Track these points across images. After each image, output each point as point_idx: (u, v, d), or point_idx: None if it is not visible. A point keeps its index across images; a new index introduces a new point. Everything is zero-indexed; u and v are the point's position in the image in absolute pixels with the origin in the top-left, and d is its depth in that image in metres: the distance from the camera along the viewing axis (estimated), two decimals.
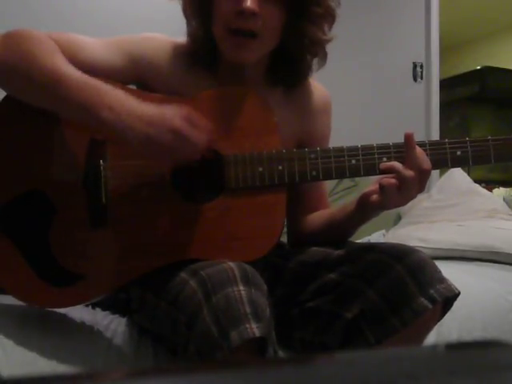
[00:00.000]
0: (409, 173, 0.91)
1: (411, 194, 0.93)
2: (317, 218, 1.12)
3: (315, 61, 1.06)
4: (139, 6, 2.25)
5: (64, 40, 0.97)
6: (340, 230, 1.07)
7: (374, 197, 0.94)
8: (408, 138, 0.93)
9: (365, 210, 0.99)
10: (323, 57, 1.05)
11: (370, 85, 2.74)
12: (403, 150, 0.95)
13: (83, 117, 0.87)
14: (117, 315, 1.09)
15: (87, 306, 1.13)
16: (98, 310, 1.12)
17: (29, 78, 0.89)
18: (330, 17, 1.01)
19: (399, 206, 0.97)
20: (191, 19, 1.02)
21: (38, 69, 0.88)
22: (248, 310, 0.77)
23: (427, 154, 0.94)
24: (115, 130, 0.85)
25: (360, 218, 1.02)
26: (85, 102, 0.85)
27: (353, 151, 0.96)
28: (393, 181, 0.91)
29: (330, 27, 1.02)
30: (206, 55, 1.03)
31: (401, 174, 0.92)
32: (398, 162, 0.94)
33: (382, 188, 0.92)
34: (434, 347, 0.38)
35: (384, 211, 1.00)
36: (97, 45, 1.00)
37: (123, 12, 2.20)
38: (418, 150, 0.93)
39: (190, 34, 1.03)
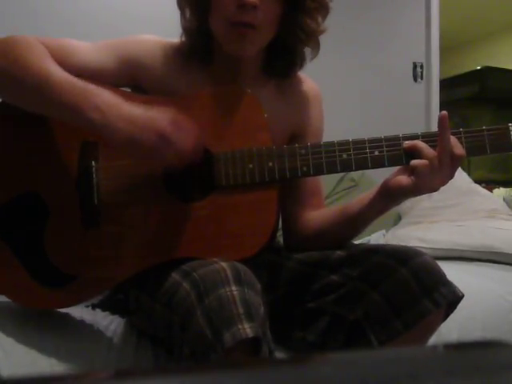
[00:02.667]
0: (433, 153, 0.90)
1: (443, 180, 0.91)
2: (322, 214, 1.09)
3: (308, 51, 1.06)
4: (140, 5, 2.25)
5: (55, 45, 0.97)
6: (355, 223, 1.03)
7: (405, 180, 0.92)
8: (443, 119, 0.91)
9: (390, 197, 0.96)
10: (316, 47, 1.05)
11: (370, 85, 2.74)
12: (395, 144, 0.94)
13: (70, 117, 0.88)
14: (116, 316, 1.09)
15: (87, 306, 1.13)
16: (97, 310, 1.12)
17: (19, 81, 0.90)
18: (323, 9, 1.01)
19: (430, 192, 0.94)
20: (186, 11, 1.02)
21: (29, 72, 0.89)
22: (241, 310, 0.77)
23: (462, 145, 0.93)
24: (101, 130, 0.85)
25: (383, 206, 0.98)
26: (72, 103, 0.85)
27: (344, 146, 0.95)
28: (424, 161, 0.90)
29: (324, 18, 1.03)
30: (200, 48, 1.03)
31: (425, 152, 0.90)
32: (394, 154, 0.93)
33: (415, 169, 0.90)
34: (434, 347, 0.38)
35: (406, 199, 0.97)
36: (88, 48, 1.01)
37: (124, 12, 2.20)
38: (452, 137, 0.91)
39: (184, 27, 1.03)
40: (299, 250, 1.09)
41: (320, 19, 1.02)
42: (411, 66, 2.91)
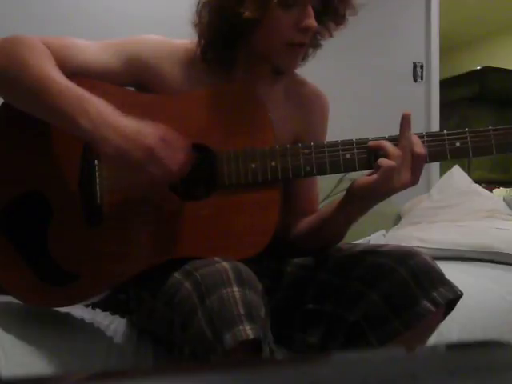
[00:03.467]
0: (398, 152, 0.89)
1: (403, 180, 0.89)
2: (306, 220, 1.09)
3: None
4: (141, 6, 2.25)
5: (59, 45, 0.97)
6: (329, 229, 1.02)
7: (366, 179, 0.90)
8: (404, 117, 0.91)
9: (355, 198, 0.94)
10: (318, 46, 1.06)
11: (370, 85, 2.74)
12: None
13: (63, 123, 0.88)
14: (117, 316, 1.10)
15: (87, 306, 1.13)
16: (98, 310, 1.12)
17: (16, 82, 0.90)
18: (341, 24, 1.02)
19: (390, 193, 0.91)
20: (222, 26, 0.97)
21: (26, 75, 0.88)
22: (242, 311, 0.77)
23: (425, 146, 0.91)
24: (91, 138, 0.86)
25: (350, 209, 0.97)
26: (66, 110, 0.85)
27: (347, 145, 0.94)
28: (390, 162, 0.88)
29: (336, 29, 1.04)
30: (224, 59, 1.02)
31: (390, 151, 0.89)
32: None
33: (380, 167, 0.89)
34: (434, 347, 0.38)
35: (373, 204, 0.95)
36: (92, 48, 1.00)
37: (125, 12, 2.20)
38: (414, 136, 0.90)
39: (210, 38, 1.00)
40: (284, 254, 1.08)
41: (333, 30, 1.03)
42: (411, 66, 2.91)
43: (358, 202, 0.95)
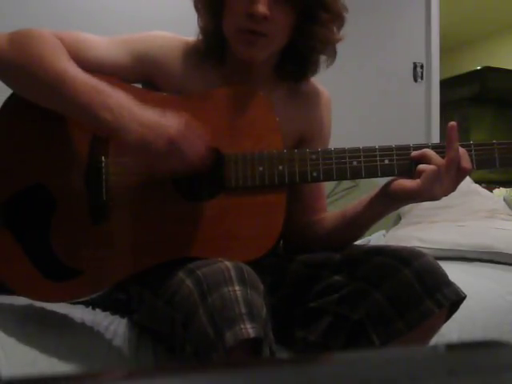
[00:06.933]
0: (442, 161, 0.90)
1: (446, 189, 0.91)
2: (325, 218, 1.09)
3: (323, 58, 1.06)
4: (140, 5, 2.25)
5: (70, 39, 0.97)
6: (356, 225, 1.03)
7: (409, 183, 0.91)
8: (451, 129, 0.91)
9: (391, 199, 0.95)
10: (332, 56, 1.05)
11: (370, 85, 2.74)
12: (405, 153, 0.94)
13: (84, 117, 0.88)
14: (117, 316, 1.09)
15: (87, 306, 1.13)
16: (98, 310, 1.12)
17: (34, 77, 0.89)
18: (338, 19, 1.01)
19: (430, 200, 0.93)
20: (202, 13, 1.03)
21: (43, 69, 0.88)
22: (243, 310, 0.77)
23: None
24: (113, 131, 0.86)
25: (383, 208, 0.98)
26: (86, 103, 0.86)
27: (354, 153, 0.95)
28: (433, 166, 0.89)
29: (340, 28, 1.03)
30: (214, 49, 1.03)
31: (434, 159, 0.90)
32: (403, 163, 0.94)
33: (422, 172, 0.90)
34: (434, 347, 0.38)
35: (403, 206, 0.97)
36: (103, 43, 1.00)
37: (124, 12, 2.20)
38: (461, 149, 0.91)
39: (201, 28, 1.04)
40: (300, 252, 1.08)
41: (335, 29, 1.02)
42: (411, 65, 2.91)
43: (390, 203, 0.97)
